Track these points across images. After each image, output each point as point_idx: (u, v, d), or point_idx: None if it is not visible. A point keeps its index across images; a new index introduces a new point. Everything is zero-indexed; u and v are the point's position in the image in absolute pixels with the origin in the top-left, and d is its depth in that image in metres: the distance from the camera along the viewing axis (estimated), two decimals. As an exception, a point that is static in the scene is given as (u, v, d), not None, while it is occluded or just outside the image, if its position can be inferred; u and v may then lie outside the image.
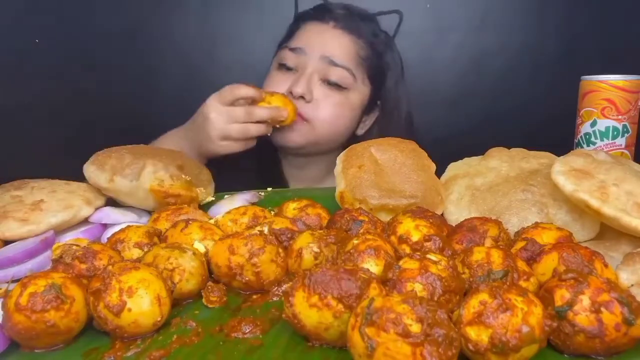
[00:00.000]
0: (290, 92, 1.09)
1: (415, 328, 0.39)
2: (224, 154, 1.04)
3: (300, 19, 1.20)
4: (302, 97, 1.09)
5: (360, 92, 1.17)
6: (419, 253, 0.52)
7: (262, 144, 1.09)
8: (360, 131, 1.24)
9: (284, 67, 1.15)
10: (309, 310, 0.46)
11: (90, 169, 0.76)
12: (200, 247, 0.62)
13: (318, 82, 1.12)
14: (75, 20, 1.70)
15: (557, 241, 0.57)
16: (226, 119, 1.00)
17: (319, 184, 1.24)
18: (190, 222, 0.66)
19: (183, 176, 0.78)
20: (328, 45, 1.12)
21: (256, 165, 1.20)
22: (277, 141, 1.14)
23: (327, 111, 1.12)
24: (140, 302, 0.49)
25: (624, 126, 0.87)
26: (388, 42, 1.23)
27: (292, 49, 1.14)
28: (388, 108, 1.24)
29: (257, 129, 1.03)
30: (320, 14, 1.18)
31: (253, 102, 1.03)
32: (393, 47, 1.24)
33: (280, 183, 1.23)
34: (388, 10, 1.25)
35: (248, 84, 1.04)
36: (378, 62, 1.19)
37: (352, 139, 1.22)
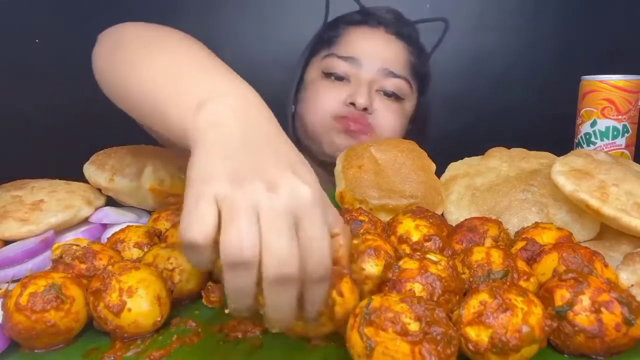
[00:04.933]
0: (352, 104, 1.00)
1: (414, 327, 0.40)
2: None
3: (342, 23, 1.09)
4: (364, 108, 1.00)
5: (412, 101, 1.09)
6: (419, 253, 0.52)
7: None
8: None
9: (332, 76, 1.04)
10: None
11: (90, 169, 0.76)
12: (200, 247, 0.62)
13: (375, 93, 1.03)
14: (75, 21, 1.70)
15: (557, 241, 0.57)
16: None
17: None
18: (190, 222, 0.65)
19: (183, 176, 0.78)
20: (384, 55, 1.04)
21: None
22: None
23: (389, 121, 1.04)
24: (140, 302, 0.49)
25: (624, 126, 0.87)
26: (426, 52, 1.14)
27: (344, 58, 1.03)
28: (422, 117, 1.17)
29: None
30: (366, 18, 1.08)
31: None
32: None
33: None
34: (433, 18, 1.13)
35: None
36: (424, 70, 1.12)
37: None
